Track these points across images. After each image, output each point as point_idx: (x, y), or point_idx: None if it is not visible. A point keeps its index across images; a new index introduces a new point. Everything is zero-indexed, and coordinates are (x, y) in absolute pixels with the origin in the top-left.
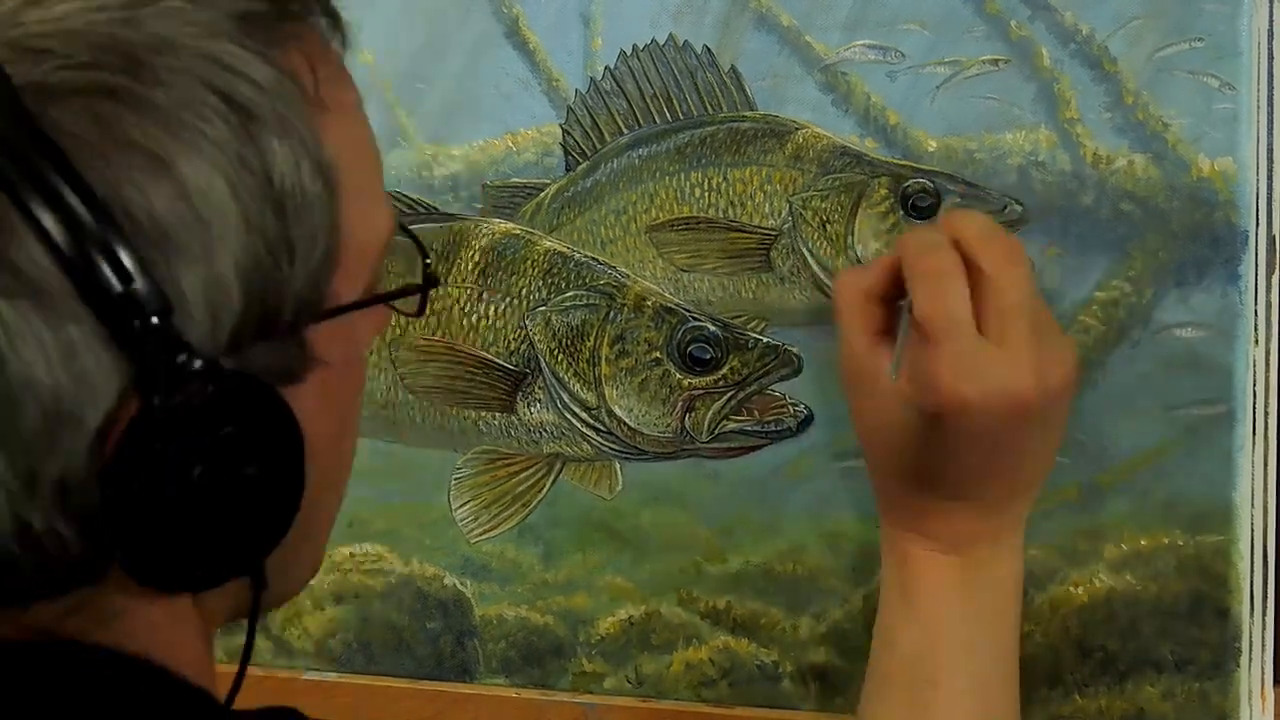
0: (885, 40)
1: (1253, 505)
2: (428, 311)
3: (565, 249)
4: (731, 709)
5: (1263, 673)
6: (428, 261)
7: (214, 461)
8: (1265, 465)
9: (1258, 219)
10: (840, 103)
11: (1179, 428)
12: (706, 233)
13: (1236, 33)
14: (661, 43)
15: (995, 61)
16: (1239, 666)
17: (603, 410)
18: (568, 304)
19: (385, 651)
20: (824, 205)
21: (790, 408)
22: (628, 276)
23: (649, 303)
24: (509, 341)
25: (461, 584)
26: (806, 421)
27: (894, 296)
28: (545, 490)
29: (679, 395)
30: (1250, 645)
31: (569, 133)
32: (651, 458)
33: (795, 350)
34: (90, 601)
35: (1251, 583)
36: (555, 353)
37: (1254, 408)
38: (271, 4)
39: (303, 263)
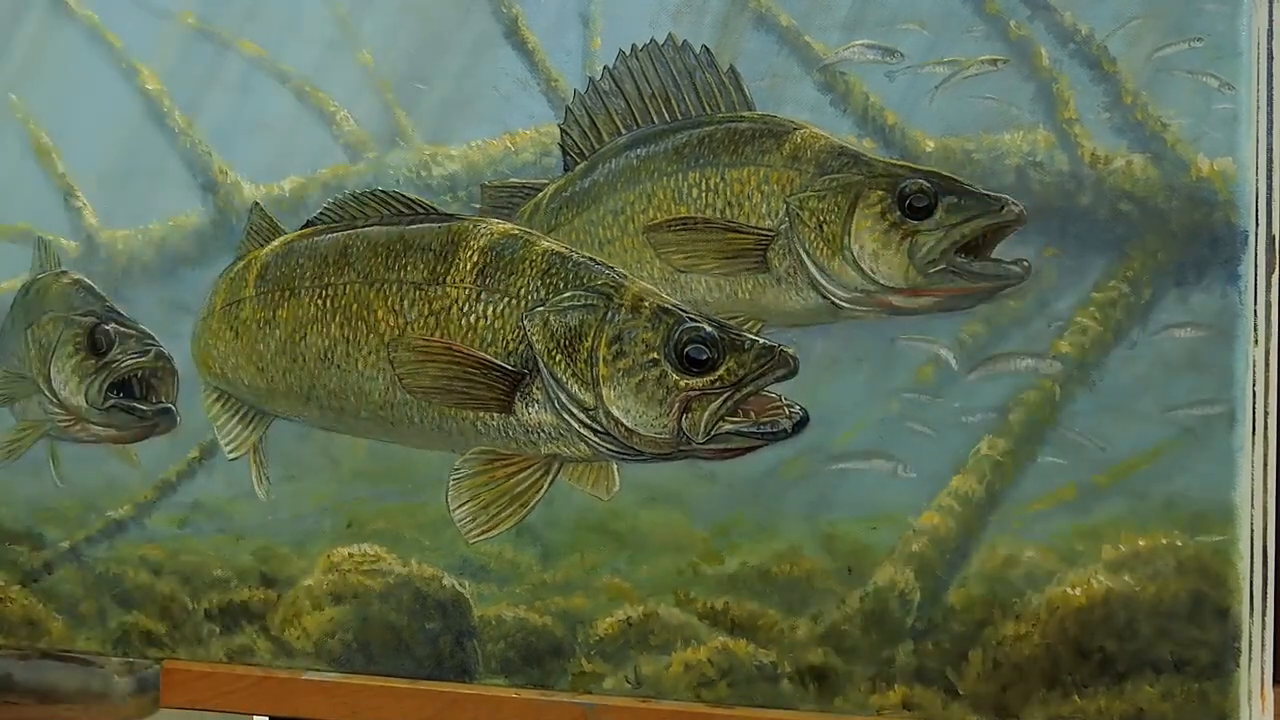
0: (884, 40)
1: (1252, 505)
2: (426, 311)
3: (563, 249)
4: (731, 709)
5: (1262, 673)
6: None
7: None
8: (1265, 465)
9: (1257, 219)
10: (838, 103)
11: (1178, 428)
12: (704, 233)
13: (1236, 33)
14: (660, 43)
15: (994, 61)
16: (1238, 666)
17: (600, 411)
18: (565, 304)
19: (384, 652)
20: (821, 206)
21: (786, 409)
22: (625, 277)
23: (646, 303)
24: (507, 342)
25: (460, 584)
26: (802, 423)
27: None
28: (543, 491)
29: (676, 396)
30: (1250, 645)
31: (567, 133)
32: (648, 458)
33: (792, 351)
34: None
35: (1251, 583)
36: (553, 353)
37: (1253, 408)
38: None
39: None
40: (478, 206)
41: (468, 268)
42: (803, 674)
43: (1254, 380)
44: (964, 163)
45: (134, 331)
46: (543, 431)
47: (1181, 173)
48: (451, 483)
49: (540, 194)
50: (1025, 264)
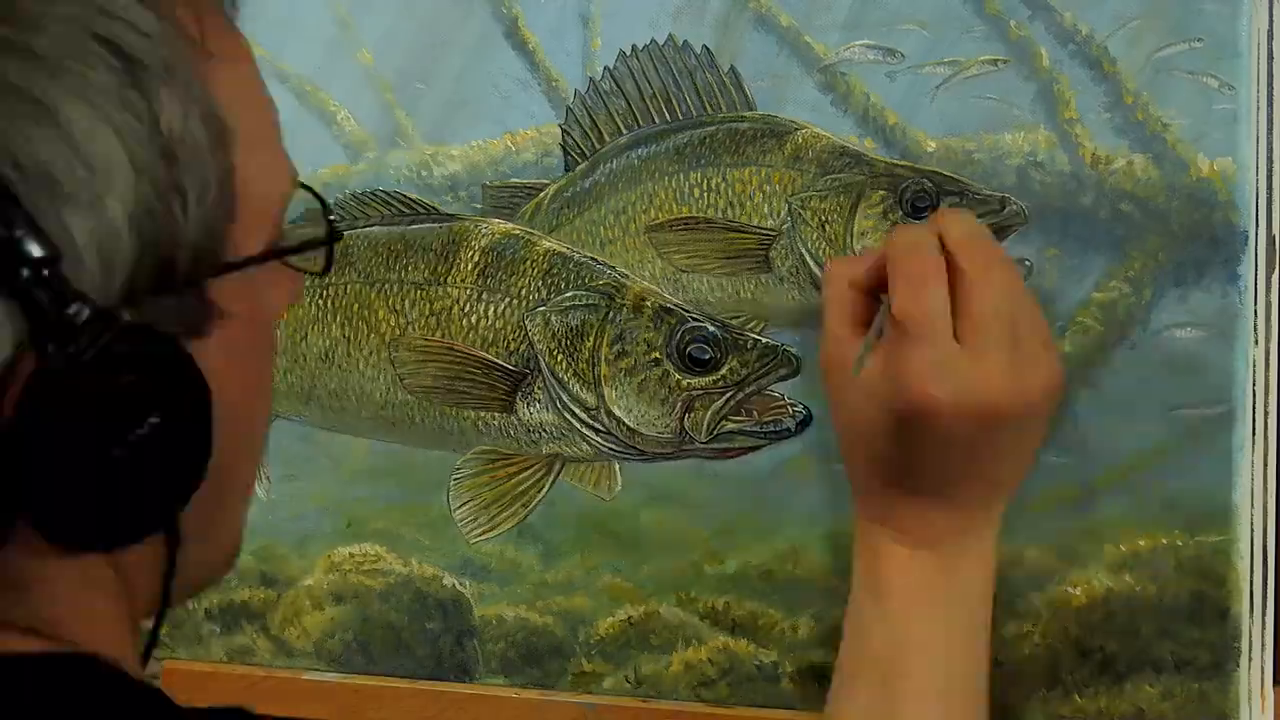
0: (884, 40)
1: (1253, 506)
2: (428, 311)
3: (565, 249)
4: (732, 709)
5: (1262, 673)
6: (331, 217)
7: (116, 411)
8: (1265, 465)
9: (1257, 219)
10: (839, 103)
11: (1179, 428)
12: (705, 233)
13: (1236, 33)
14: (661, 43)
15: (994, 62)
16: (1239, 667)
17: (602, 410)
18: (567, 304)
19: (385, 651)
20: (823, 206)
21: (789, 408)
22: (627, 277)
23: (648, 303)
24: (508, 342)
25: (461, 584)
26: (805, 422)
27: (880, 290)
28: (545, 490)
29: (678, 395)
30: (1250, 645)
31: (568, 133)
32: (650, 458)
33: (794, 351)
34: None
35: (1251, 583)
36: (555, 353)
37: (1254, 408)
38: None
39: (196, 210)
40: (479, 206)
41: (469, 267)
42: (804, 674)
43: (1254, 380)
44: (965, 163)
45: None
46: (544, 431)
47: (1182, 173)
48: (452, 482)
49: (541, 194)
50: (1027, 263)
